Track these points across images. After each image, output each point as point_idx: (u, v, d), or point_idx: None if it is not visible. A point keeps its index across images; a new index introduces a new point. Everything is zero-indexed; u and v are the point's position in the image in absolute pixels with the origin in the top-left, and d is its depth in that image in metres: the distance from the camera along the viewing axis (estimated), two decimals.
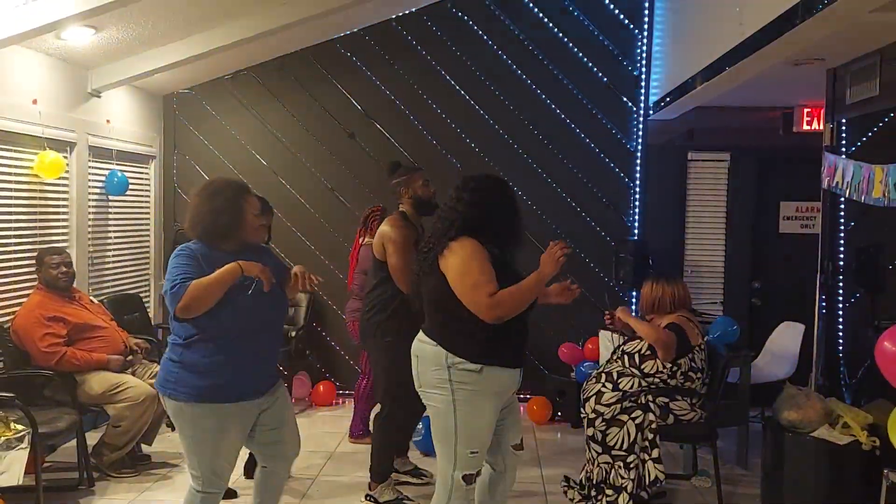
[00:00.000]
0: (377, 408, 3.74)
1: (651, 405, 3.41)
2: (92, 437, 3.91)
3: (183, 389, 2.44)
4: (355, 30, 5.50)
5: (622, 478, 3.35)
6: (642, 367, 3.47)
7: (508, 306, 2.43)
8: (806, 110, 5.03)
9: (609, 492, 3.38)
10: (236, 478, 3.81)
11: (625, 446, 3.36)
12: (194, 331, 2.44)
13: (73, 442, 3.74)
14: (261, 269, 2.45)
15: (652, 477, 3.32)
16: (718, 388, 3.57)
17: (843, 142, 4.06)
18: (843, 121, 4.01)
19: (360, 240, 4.58)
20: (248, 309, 2.45)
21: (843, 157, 3.82)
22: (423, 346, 2.59)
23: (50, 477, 3.65)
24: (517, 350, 2.58)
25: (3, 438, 2.86)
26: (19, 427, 2.97)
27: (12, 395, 3.18)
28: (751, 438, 4.15)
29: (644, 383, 3.48)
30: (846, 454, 3.27)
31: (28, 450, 2.92)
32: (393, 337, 3.35)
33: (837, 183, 3.67)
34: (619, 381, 3.49)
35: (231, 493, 3.51)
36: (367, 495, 3.49)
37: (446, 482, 2.53)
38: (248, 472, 3.78)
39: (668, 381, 3.46)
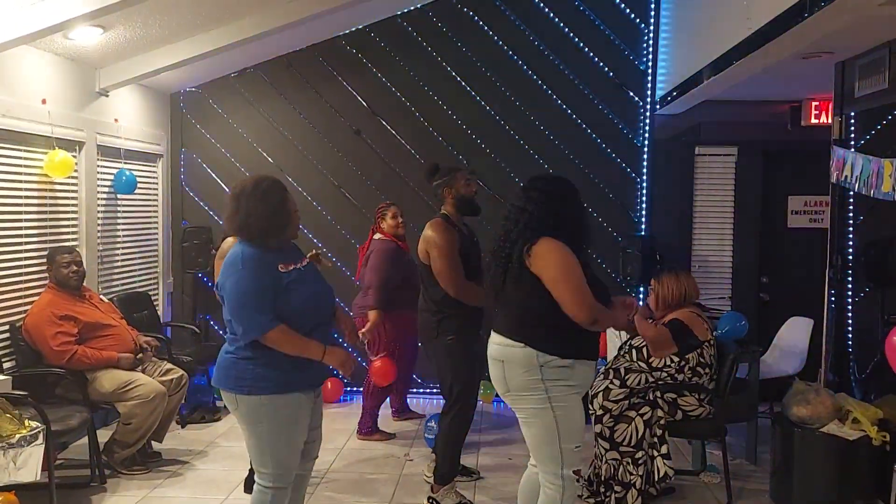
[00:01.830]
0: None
1: (659, 401, 3.41)
2: (103, 435, 3.94)
3: (264, 384, 2.48)
4: (361, 27, 5.50)
5: (631, 474, 3.36)
6: (650, 360, 3.47)
7: (601, 319, 2.53)
8: (814, 104, 5.00)
9: (618, 488, 3.38)
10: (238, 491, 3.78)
11: (633, 442, 3.36)
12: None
13: (85, 439, 3.78)
14: (342, 361, 2.54)
15: (661, 473, 3.33)
16: (727, 384, 3.56)
17: (852, 135, 4.04)
18: (852, 114, 3.99)
19: (373, 235, 4.60)
20: (315, 304, 2.55)
21: (852, 150, 3.80)
22: (509, 350, 2.56)
23: (62, 474, 3.69)
24: (597, 344, 2.69)
25: (18, 435, 2.89)
26: (33, 424, 3.00)
27: (25, 392, 3.21)
28: (760, 434, 4.14)
29: (651, 378, 3.48)
30: (856, 449, 3.26)
31: (43, 446, 2.95)
32: (454, 335, 3.38)
33: (846, 177, 3.65)
34: (627, 377, 3.49)
35: None
36: (429, 497, 3.46)
37: (556, 482, 2.55)
38: (250, 486, 3.66)
39: (676, 375, 3.45)
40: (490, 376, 2.69)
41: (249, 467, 3.53)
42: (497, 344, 2.62)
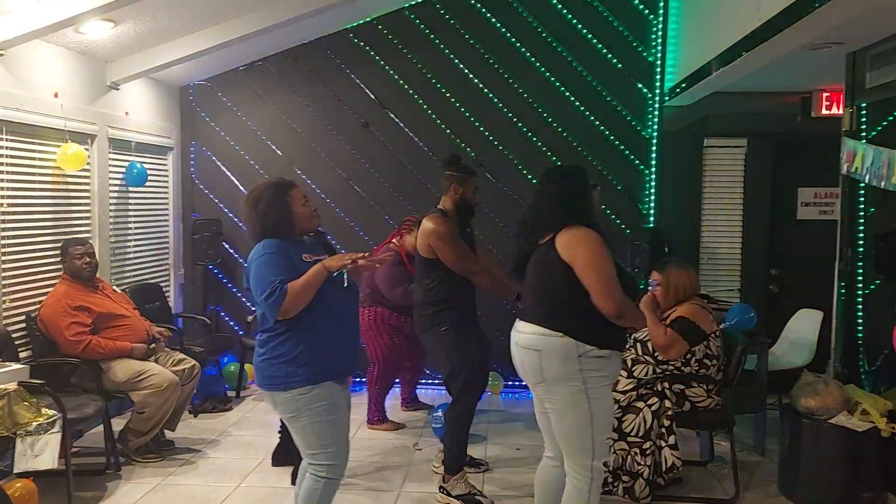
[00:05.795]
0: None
1: (667, 392, 3.42)
2: (117, 424, 4.00)
3: (299, 377, 2.53)
4: (368, 19, 5.51)
5: (638, 464, 3.37)
6: (655, 354, 3.48)
7: (628, 315, 2.54)
8: (825, 95, 4.97)
9: (626, 478, 3.40)
10: (265, 462, 3.90)
11: (641, 433, 3.38)
12: (294, 321, 2.54)
13: (100, 428, 3.84)
14: (340, 258, 2.57)
15: (668, 463, 3.35)
16: (735, 375, 3.57)
17: (863, 126, 4.01)
18: (863, 105, 3.97)
19: (392, 239, 4.59)
20: (337, 293, 2.59)
21: (863, 142, 3.78)
22: (546, 339, 2.52)
23: (78, 462, 3.73)
24: (626, 336, 2.72)
25: (35, 423, 2.94)
26: (50, 412, 3.05)
27: (42, 381, 3.26)
28: (768, 425, 4.14)
29: (658, 370, 3.49)
30: (865, 441, 3.27)
31: (60, 434, 3.00)
32: (448, 326, 3.42)
33: (857, 168, 3.64)
34: (634, 368, 3.51)
35: None
36: (440, 487, 3.49)
37: (585, 473, 2.55)
38: (276, 459, 3.84)
39: (682, 368, 3.46)
40: (517, 365, 2.65)
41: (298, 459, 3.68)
42: (530, 333, 2.56)
